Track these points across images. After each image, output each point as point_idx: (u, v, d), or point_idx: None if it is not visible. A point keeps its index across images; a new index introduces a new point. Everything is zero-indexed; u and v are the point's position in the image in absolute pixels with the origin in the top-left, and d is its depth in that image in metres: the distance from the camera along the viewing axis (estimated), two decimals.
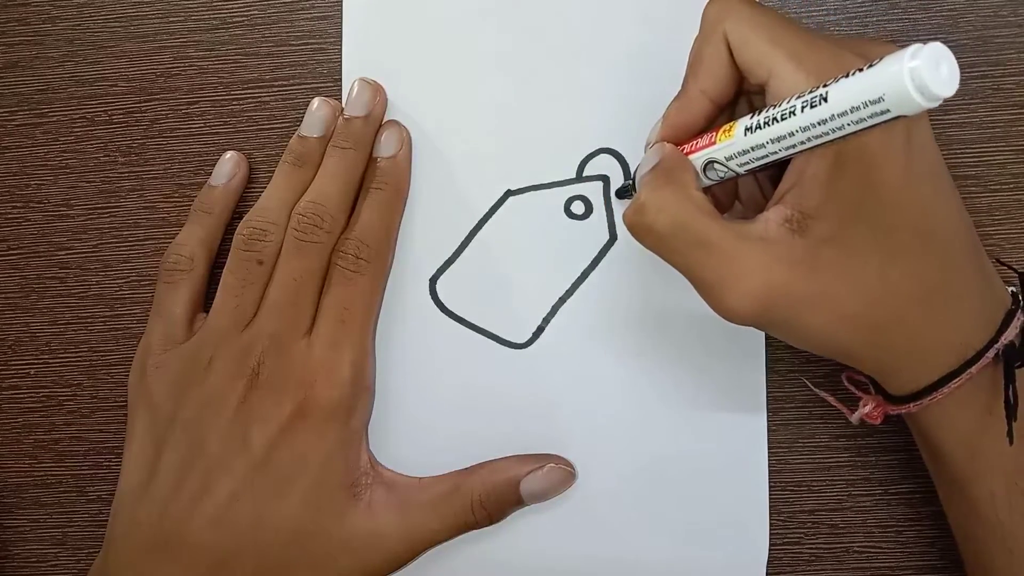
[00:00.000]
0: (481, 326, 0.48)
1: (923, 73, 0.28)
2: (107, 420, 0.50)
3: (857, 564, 0.47)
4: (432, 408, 0.48)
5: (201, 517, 0.43)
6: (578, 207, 0.47)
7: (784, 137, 0.33)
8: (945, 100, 0.29)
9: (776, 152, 0.34)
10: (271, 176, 0.47)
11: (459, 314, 0.48)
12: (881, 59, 0.29)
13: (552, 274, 0.47)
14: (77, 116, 0.50)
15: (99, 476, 0.50)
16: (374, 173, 0.47)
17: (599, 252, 0.47)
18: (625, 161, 0.47)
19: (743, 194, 0.42)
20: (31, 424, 0.50)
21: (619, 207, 0.47)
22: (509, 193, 0.48)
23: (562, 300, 0.47)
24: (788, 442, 0.47)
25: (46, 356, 0.50)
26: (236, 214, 0.48)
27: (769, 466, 0.46)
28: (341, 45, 0.48)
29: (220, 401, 0.44)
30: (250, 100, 0.49)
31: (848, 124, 0.31)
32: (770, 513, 0.46)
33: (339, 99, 0.48)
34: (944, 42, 0.28)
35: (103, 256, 0.50)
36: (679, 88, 0.39)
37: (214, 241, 0.48)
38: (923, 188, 0.36)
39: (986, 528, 0.39)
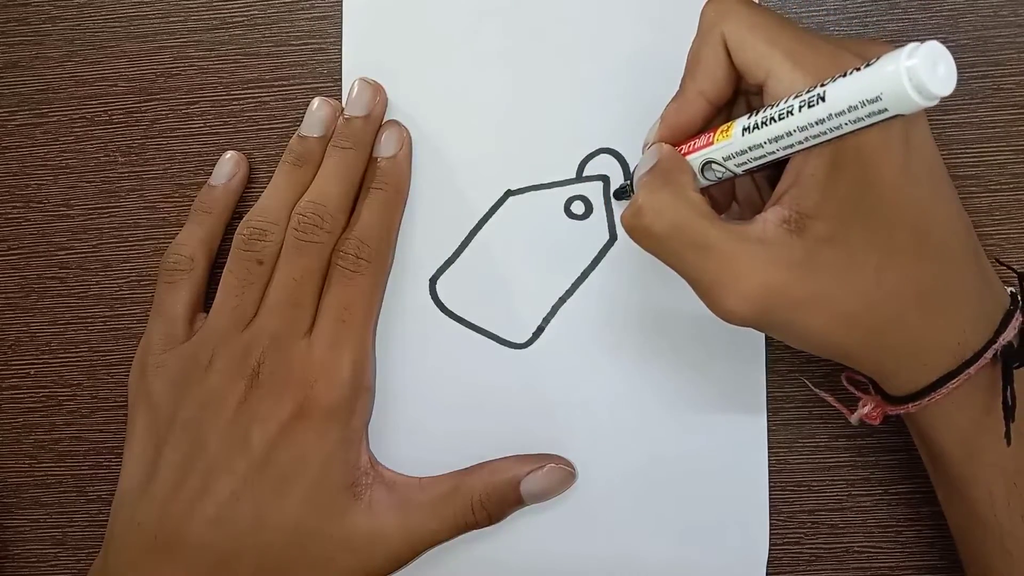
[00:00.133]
0: (481, 326, 0.48)
1: (920, 72, 0.29)
2: (107, 420, 0.50)
3: (857, 564, 0.47)
4: (432, 408, 0.48)
5: (201, 517, 0.43)
6: (578, 207, 0.47)
7: (782, 137, 0.34)
8: (942, 99, 0.29)
9: (774, 152, 0.34)
10: (271, 176, 0.47)
11: (459, 314, 0.48)
12: (878, 58, 0.30)
13: (552, 274, 0.48)
14: (77, 116, 0.50)
15: (99, 476, 0.50)
16: (374, 173, 0.47)
17: (599, 252, 0.47)
18: (625, 161, 0.47)
19: (740, 195, 0.43)
20: (31, 424, 0.51)
21: (619, 207, 0.47)
22: (509, 193, 0.48)
23: (562, 300, 0.48)
24: (788, 442, 0.47)
25: (46, 356, 0.50)
26: (236, 214, 0.48)
27: (769, 466, 0.47)
28: (341, 45, 0.49)
29: (220, 401, 0.44)
30: (250, 100, 0.49)
31: (846, 123, 0.31)
32: (770, 513, 0.47)
33: (339, 99, 0.48)
34: (944, 42, 0.29)
35: (103, 256, 0.50)
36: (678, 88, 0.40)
37: (214, 241, 0.48)
38: (921, 187, 0.36)
39: (985, 529, 0.40)
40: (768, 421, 0.47)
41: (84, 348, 0.50)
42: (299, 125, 0.47)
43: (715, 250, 0.35)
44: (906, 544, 0.47)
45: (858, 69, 0.30)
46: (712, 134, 0.37)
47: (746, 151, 0.35)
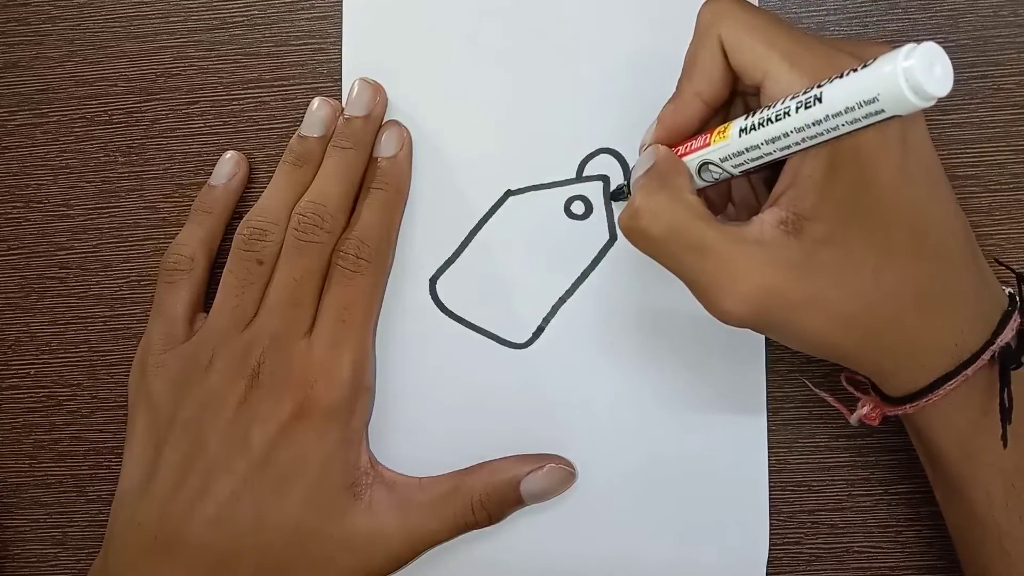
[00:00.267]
0: (481, 326, 0.48)
1: (917, 73, 0.29)
2: (107, 420, 0.50)
3: (857, 564, 0.47)
4: (432, 408, 0.48)
5: (201, 517, 0.44)
6: (578, 207, 0.48)
7: (779, 138, 0.34)
8: (939, 100, 0.29)
9: (771, 153, 0.35)
10: (271, 176, 0.48)
11: (459, 314, 0.48)
12: (875, 59, 0.30)
13: (552, 274, 0.48)
14: (77, 116, 0.50)
15: (99, 476, 0.51)
16: (374, 173, 0.47)
17: (599, 252, 0.48)
18: (625, 161, 0.47)
19: (736, 196, 0.43)
20: (31, 424, 0.51)
21: (619, 207, 0.47)
22: (509, 193, 0.48)
23: (562, 300, 0.48)
24: (788, 442, 0.47)
25: (46, 356, 0.51)
26: (236, 214, 0.49)
27: (769, 466, 0.47)
28: (341, 45, 0.49)
29: (220, 401, 0.44)
30: (250, 100, 0.50)
31: (843, 124, 0.31)
32: (770, 513, 0.47)
33: (339, 99, 0.48)
34: (944, 42, 0.29)
35: (103, 256, 0.50)
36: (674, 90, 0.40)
37: (214, 241, 0.48)
38: (918, 188, 0.36)
39: (983, 529, 0.40)
40: (768, 421, 0.47)
41: (84, 348, 0.51)
42: (299, 125, 0.48)
43: (712, 252, 0.36)
44: (906, 544, 0.47)
45: (855, 70, 0.31)
46: (709, 135, 0.37)
47: (743, 152, 0.36)
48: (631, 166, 0.47)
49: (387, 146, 0.47)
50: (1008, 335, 0.38)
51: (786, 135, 0.34)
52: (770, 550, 0.47)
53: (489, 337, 0.48)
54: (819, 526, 0.48)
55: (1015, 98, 0.46)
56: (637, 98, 0.47)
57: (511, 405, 0.48)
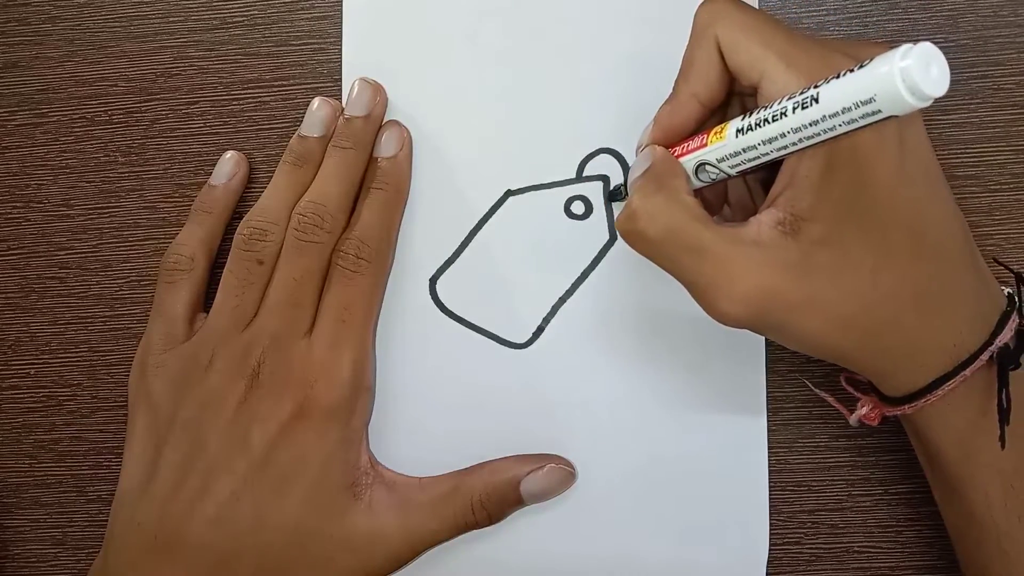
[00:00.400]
0: (481, 326, 0.48)
1: (914, 73, 0.29)
2: (107, 420, 0.51)
3: (857, 564, 0.48)
4: (432, 408, 0.48)
5: (201, 517, 0.44)
6: (578, 207, 0.48)
7: (776, 138, 0.34)
8: (937, 100, 0.30)
9: (768, 153, 0.35)
10: (271, 176, 0.48)
11: (459, 314, 0.49)
12: (872, 60, 0.30)
13: (552, 274, 0.48)
14: (77, 116, 0.51)
15: (99, 476, 0.51)
16: (375, 173, 0.47)
17: (599, 252, 0.48)
18: (625, 161, 0.48)
19: (732, 197, 0.43)
20: (31, 424, 0.51)
21: (618, 207, 0.48)
22: (509, 193, 0.48)
23: (562, 300, 0.48)
24: (788, 442, 0.48)
25: (46, 356, 0.51)
26: (236, 214, 0.49)
27: (769, 466, 0.47)
28: (341, 45, 0.49)
29: (220, 401, 0.45)
30: (250, 100, 0.50)
31: (840, 125, 0.32)
32: (770, 513, 0.47)
33: (339, 99, 0.49)
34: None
35: (103, 256, 0.51)
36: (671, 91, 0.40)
37: (214, 241, 0.49)
38: (916, 188, 0.36)
39: (981, 529, 0.40)
40: (768, 421, 0.47)
41: (84, 348, 0.51)
42: (299, 125, 0.48)
43: (710, 253, 0.36)
44: (906, 544, 0.48)
45: (851, 71, 0.31)
46: (706, 136, 0.38)
47: (740, 153, 0.36)
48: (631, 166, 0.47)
49: (387, 146, 0.48)
50: (1007, 336, 0.38)
51: (783, 136, 0.34)
52: (770, 550, 0.47)
53: (489, 337, 0.48)
54: (819, 526, 0.48)
55: (1015, 98, 0.47)
56: (637, 98, 0.46)
57: (511, 405, 0.48)
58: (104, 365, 0.51)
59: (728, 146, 0.36)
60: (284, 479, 0.44)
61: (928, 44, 0.30)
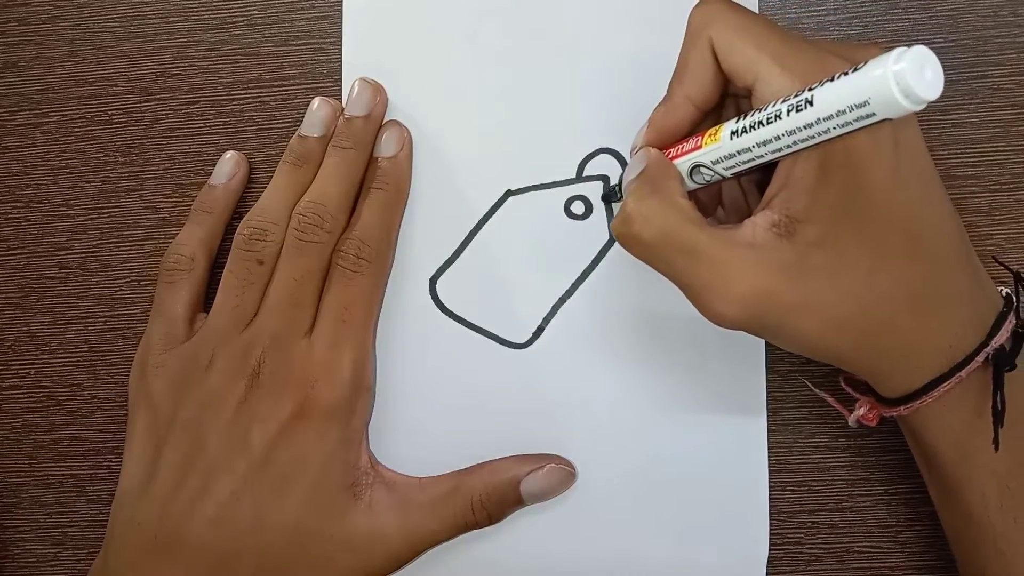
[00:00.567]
0: (481, 326, 0.49)
1: (908, 76, 0.30)
2: (107, 420, 0.51)
3: (857, 564, 0.48)
4: (432, 408, 0.49)
5: (201, 517, 0.44)
6: (578, 207, 0.49)
7: (770, 141, 0.35)
8: (932, 103, 0.30)
9: (762, 155, 0.36)
10: (271, 176, 0.48)
11: (459, 314, 0.49)
12: (866, 62, 0.31)
13: (552, 274, 0.49)
14: (77, 116, 0.51)
15: (99, 476, 0.51)
16: (375, 173, 0.48)
17: (599, 252, 0.49)
18: (625, 161, 0.48)
19: (726, 199, 0.44)
20: (31, 424, 0.52)
21: (616, 207, 0.48)
22: (509, 193, 0.49)
23: (562, 300, 0.49)
24: (788, 442, 0.48)
25: (46, 356, 0.52)
26: (236, 214, 0.49)
27: (769, 466, 0.48)
28: (341, 45, 0.50)
29: (220, 401, 0.45)
30: (250, 100, 0.50)
31: (834, 127, 0.32)
32: (770, 513, 0.48)
33: (339, 99, 0.49)
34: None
35: (103, 256, 0.51)
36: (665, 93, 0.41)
37: (214, 241, 0.49)
38: (911, 190, 0.37)
39: (978, 530, 0.40)
40: (768, 421, 0.48)
41: (84, 348, 0.51)
42: (299, 125, 0.48)
43: (705, 255, 0.36)
44: (906, 544, 0.48)
45: (846, 73, 0.32)
46: (700, 137, 0.38)
47: (734, 155, 0.36)
48: None
49: (387, 146, 0.48)
50: (1003, 337, 0.38)
51: (777, 138, 0.34)
52: (770, 550, 0.48)
53: (489, 337, 0.49)
54: (819, 526, 0.48)
55: (1015, 98, 0.47)
56: (637, 98, 0.46)
57: (511, 405, 0.49)
58: (104, 365, 0.51)
59: (723, 148, 0.37)
60: (284, 479, 0.45)
61: (922, 47, 0.30)
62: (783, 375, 0.48)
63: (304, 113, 0.49)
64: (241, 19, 0.51)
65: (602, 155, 0.49)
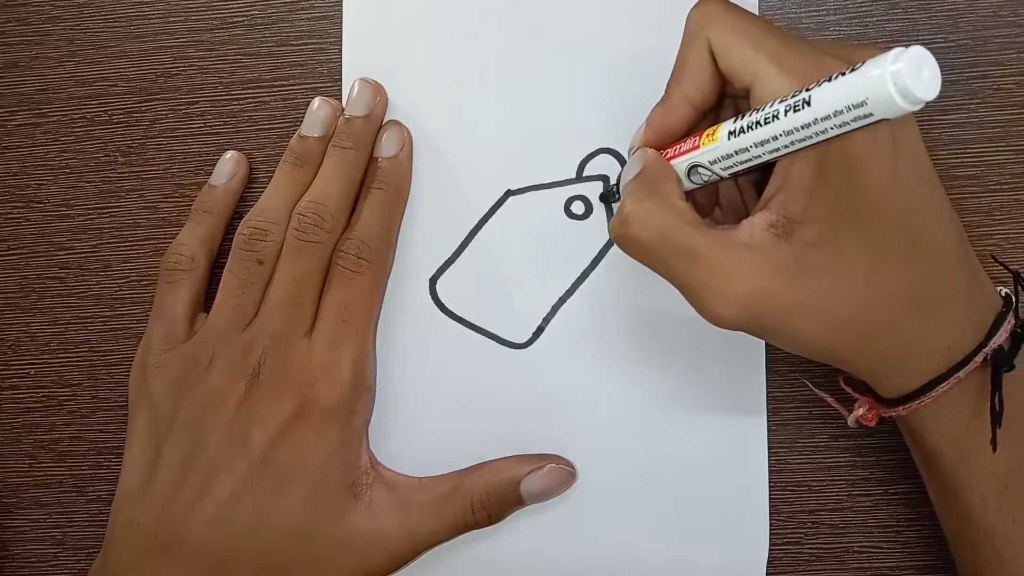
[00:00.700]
0: (481, 326, 0.49)
1: (905, 77, 0.30)
2: (107, 420, 0.52)
3: (857, 564, 0.48)
4: (432, 408, 0.49)
5: (201, 517, 0.45)
6: (578, 207, 0.49)
7: (767, 141, 0.35)
8: (928, 103, 0.31)
9: (760, 156, 0.36)
10: (271, 176, 0.49)
11: (459, 314, 0.49)
12: (863, 63, 0.31)
13: (552, 274, 0.49)
14: (77, 116, 0.52)
15: (99, 476, 0.52)
16: (375, 173, 0.48)
17: (599, 252, 0.49)
18: (625, 161, 0.47)
19: (723, 199, 0.44)
20: (31, 424, 0.52)
21: (616, 210, 0.48)
22: (509, 193, 0.49)
23: (562, 300, 0.49)
24: (788, 442, 0.48)
25: (46, 356, 0.52)
26: (236, 214, 0.50)
27: (769, 466, 0.48)
28: (341, 45, 0.50)
29: (220, 401, 0.45)
30: (250, 100, 0.51)
31: (831, 128, 0.33)
32: (770, 513, 0.48)
33: (339, 99, 0.49)
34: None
35: (103, 256, 0.52)
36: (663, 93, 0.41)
37: (214, 241, 0.49)
38: (909, 190, 0.37)
39: (977, 530, 0.41)
40: (768, 421, 0.48)
41: (84, 348, 0.52)
42: (299, 125, 0.49)
43: (702, 257, 0.37)
44: (906, 544, 0.48)
45: (843, 74, 0.32)
46: (698, 137, 0.38)
47: (732, 155, 0.37)
48: None
49: (388, 146, 0.48)
50: (1001, 337, 0.38)
51: (775, 138, 0.35)
52: (770, 550, 0.48)
53: (489, 337, 0.49)
54: (819, 526, 0.49)
55: (1015, 98, 0.47)
56: (637, 98, 0.46)
57: (511, 405, 0.49)
58: (104, 365, 0.52)
59: (720, 148, 0.37)
60: (284, 479, 0.45)
61: (919, 47, 0.31)
62: (783, 375, 0.49)
63: (304, 113, 0.49)
64: (241, 19, 0.51)
65: (602, 155, 0.49)
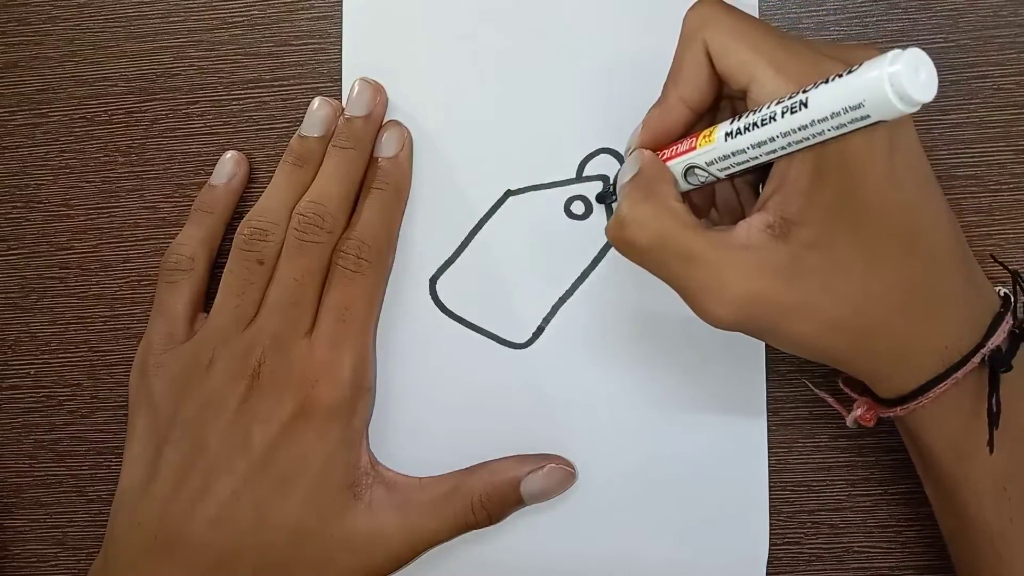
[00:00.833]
0: (481, 326, 0.50)
1: (902, 79, 0.31)
2: (107, 420, 0.52)
3: (857, 564, 0.49)
4: (432, 408, 0.49)
5: (202, 517, 0.45)
6: (578, 207, 0.49)
7: (764, 142, 0.35)
8: (926, 104, 0.31)
9: (757, 157, 0.36)
10: (271, 176, 0.49)
11: (459, 314, 0.50)
12: (861, 64, 0.32)
13: (552, 274, 0.49)
14: (77, 116, 0.52)
15: (99, 476, 0.52)
16: (375, 173, 0.48)
17: (599, 252, 0.49)
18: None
19: (719, 200, 0.44)
20: (31, 424, 0.52)
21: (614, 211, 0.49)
22: (509, 193, 0.50)
23: (562, 300, 0.49)
24: (788, 442, 0.49)
25: (46, 356, 0.52)
26: (236, 214, 0.50)
27: (769, 466, 0.48)
28: (341, 45, 0.50)
29: (221, 401, 0.46)
30: (250, 100, 0.51)
31: (828, 129, 0.33)
32: (770, 513, 0.48)
33: (339, 99, 0.50)
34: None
35: (103, 256, 0.52)
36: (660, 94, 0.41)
37: (215, 241, 0.50)
38: (906, 191, 0.37)
39: (974, 531, 0.41)
40: (768, 421, 0.48)
41: (84, 348, 0.52)
42: (299, 125, 0.49)
43: (700, 258, 0.37)
44: (906, 544, 0.49)
45: (840, 75, 0.32)
46: (695, 139, 0.39)
47: (729, 156, 0.37)
48: None
49: (388, 146, 0.49)
50: (999, 338, 0.39)
51: (772, 140, 0.35)
52: (770, 550, 0.48)
53: (489, 337, 0.50)
54: (819, 526, 0.49)
55: (1015, 98, 0.48)
56: (637, 98, 0.46)
57: (511, 405, 0.49)
58: (104, 365, 0.52)
59: (717, 149, 0.37)
60: (285, 479, 0.45)
61: (917, 49, 0.31)
62: (783, 375, 0.49)
63: (304, 113, 0.49)
64: (241, 19, 0.51)
65: (602, 155, 0.49)
